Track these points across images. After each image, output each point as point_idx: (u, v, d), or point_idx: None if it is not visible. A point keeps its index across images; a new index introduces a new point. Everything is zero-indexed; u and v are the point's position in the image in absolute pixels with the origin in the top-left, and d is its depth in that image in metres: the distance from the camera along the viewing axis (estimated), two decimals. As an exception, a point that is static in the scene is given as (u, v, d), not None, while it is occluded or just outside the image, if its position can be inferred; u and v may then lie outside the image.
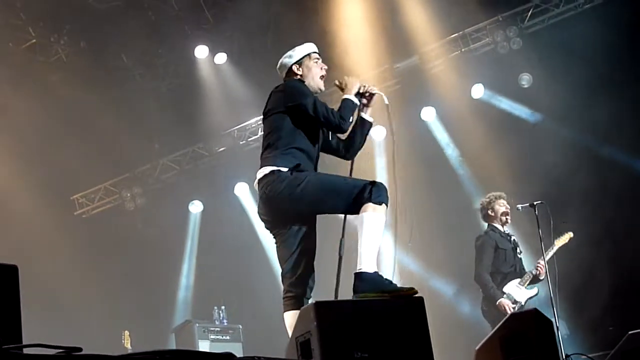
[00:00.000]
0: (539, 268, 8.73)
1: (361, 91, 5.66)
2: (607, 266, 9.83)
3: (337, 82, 5.71)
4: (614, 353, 6.50)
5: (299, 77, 5.73)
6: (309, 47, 5.81)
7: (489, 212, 9.07)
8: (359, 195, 5.23)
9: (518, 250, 8.96)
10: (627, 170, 10.23)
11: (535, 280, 8.78)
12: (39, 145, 11.76)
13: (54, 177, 12.23)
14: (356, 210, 5.28)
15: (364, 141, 5.84)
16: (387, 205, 5.26)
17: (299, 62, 5.75)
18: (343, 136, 5.82)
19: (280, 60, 5.82)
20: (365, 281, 5.04)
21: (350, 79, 5.68)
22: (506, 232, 9.04)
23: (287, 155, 5.45)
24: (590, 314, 9.38)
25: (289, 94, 5.57)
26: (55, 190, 12.65)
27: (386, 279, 5.06)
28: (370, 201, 5.20)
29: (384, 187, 5.29)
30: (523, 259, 9.01)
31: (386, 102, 5.63)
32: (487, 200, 9.11)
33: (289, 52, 5.78)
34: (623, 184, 10.11)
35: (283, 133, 5.52)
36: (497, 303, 8.59)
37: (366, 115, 5.77)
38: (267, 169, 5.43)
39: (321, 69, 5.75)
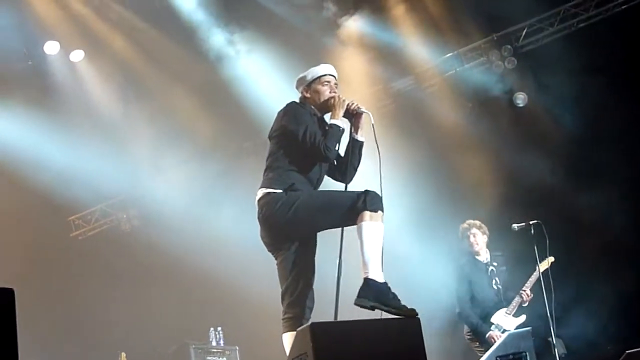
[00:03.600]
0: (523, 295, 8.75)
1: (349, 109, 5.68)
2: (605, 284, 9.82)
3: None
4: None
5: (307, 99, 5.77)
6: (322, 69, 5.84)
7: (463, 240, 9.15)
8: (353, 205, 5.30)
9: (495, 281, 8.97)
10: (624, 186, 10.22)
11: (521, 307, 8.81)
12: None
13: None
14: (352, 221, 5.31)
15: (358, 163, 5.85)
16: (382, 212, 5.28)
17: (309, 85, 5.79)
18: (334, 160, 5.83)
19: (297, 79, 5.87)
20: (371, 288, 5.11)
21: (337, 99, 5.70)
22: (485, 260, 9.07)
23: (282, 177, 5.49)
24: (588, 332, 9.35)
25: (285, 117, 5.64)
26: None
27: (392, 293, 5.09)
28: (367, 209, 5.25)
29: (378, 195, 5.35)
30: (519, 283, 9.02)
31: (372, 121, 5.64)
32: (462, 228, 9.17)
33: (304, 73, 5.83)
34: (618, 193, 10.10)
35: (279, 155, 5.60)
36: (487, 336, 8.61)
37: (358, 136, 5.79)
38: (262, 191, 5.53)
39: (330, 91, 5.77)
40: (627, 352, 6.47)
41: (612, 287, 9.75)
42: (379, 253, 5.25)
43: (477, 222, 9.13)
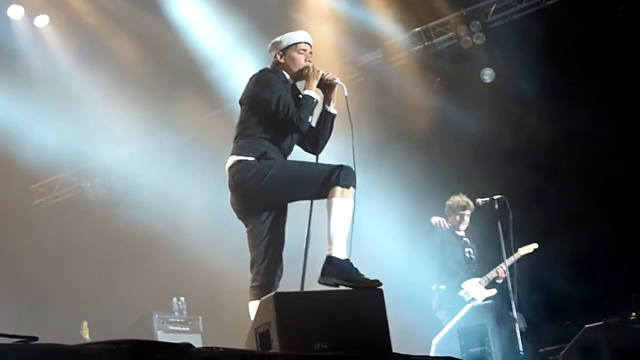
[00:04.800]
0: (499, 271, 8.83)
1: (323, 79, 5.65)
2: (565, 260, 9.91)
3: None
4: (570, 346, 6.58)
5: (280, 65, 5.71)
6: (299, 36, 5.75)
7: (453, 215, 9.19)
8: (327, 179, 5.26)
9: (468, 251, 9.06)
10: (587, 162, 10.30)
11: (495, 281, 8.89)
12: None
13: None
14: (324, 195, 5.29)
15: (329, 134, 5.80)
16: (355, 189, 5.27)
17: (284, 51, 5.72)
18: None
19: (271, 42, 5.79)
20: (335, 266, 5.09)
21: (312, 69, 5.66)
22: (461, 234, 9.15)
23: (254, 144, 5.45)
24: (548, 308, 9.45)
25: (257, 85, 5.58)
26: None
27: (355, 268, 5.09)
28: (339, 185, 5.23)
29: (352, 170, 5.32)
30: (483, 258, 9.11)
31: (346, 93, 5.61)
32: (457, 204, 9.20)
33: (279, 38, 5.74)
34: (584, 177, 10.20)
35: (251, 122, 5.55)
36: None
37: (330, 108, 5.75)
38: (233, 159, 5.47)
39: (305, 60, 5.71)
40: (586, 326, 6.54)
41: (571, 264, 9.86)
42: (346, 230, 5.24)
43: (469, 202, 9.15)
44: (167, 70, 12.22)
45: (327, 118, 5.75)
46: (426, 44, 11.71)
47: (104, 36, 12.05)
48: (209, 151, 11.49)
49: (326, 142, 5.81)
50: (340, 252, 5.14)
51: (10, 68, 11.77)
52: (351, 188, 5.27)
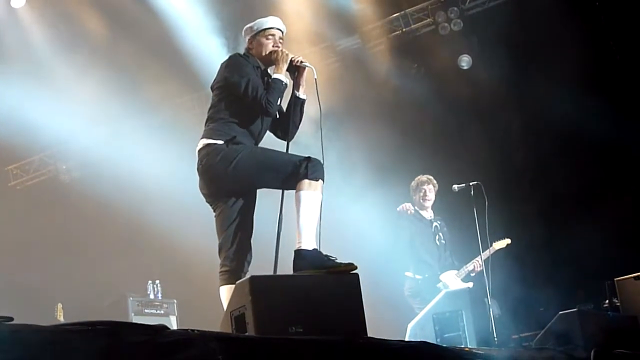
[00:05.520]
0: (475, 264, 8.87)
1: (293, 62, 5.64)
2: (539, 247, 9.97)
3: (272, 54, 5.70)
4: (544, 332, 6.63)
5: (250, 50, 5.73)
6: (268, 22, 5.77)
7: (416, 193, 9.21)
8: (295, 171, 5.27)
9: (438, 237, 9.09)
10: (564, 147, 10.36)
11: (469, 275, 8.95)
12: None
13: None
14: (292, 186, 5.30)
15: (300, 120, 5.82)
16: (323, 181, 5.28)
17: (254, 36, 5.73)
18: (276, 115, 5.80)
19: (244, 27, 5.81)
20: (304, 258, 5.08)
21: (280, 53, 5.66)
22: (429, 217, 9.18)
23: (223, 128, 5.46)
24: (522, 294, 9.50)
25: (227, 69, 5.61)
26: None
27: (325, 255, 5.10)
28: (307, 177, 5.24)
29: (320, 163, 5.33)
30: (459, 245, 9.14)
31: (315, 76, 5.62)
32: (417, 181, 9.23)
33: (251, 23, 5.77)
34: (559, 164, 10.26)
35: (221, 107, 5.57)
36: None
37: (299, 93, 5.76)
38: (202, 142, 5.50)
39: (274, 45, 5.71)
40: (560, 312, 6.59)
41: (544, 249, 9.93)
42: (314, 223, 5.25)
43: (431, 178, 9.19)
44: (143, 52, 12.14)
45: (296, 103, 5.77)
46: (404, 29, 11.71)
47: (79, 16, 11.95)
48: (185, 134, 11.43)
49: (297, 128, 5.82)
50: (308, 244, 5.15)
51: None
52: (320, 181, 5.29)
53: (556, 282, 9.56)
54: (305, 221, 5.21)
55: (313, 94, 5.69)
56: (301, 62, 5.68)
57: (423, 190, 9.17)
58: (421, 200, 9.17)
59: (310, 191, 5.24)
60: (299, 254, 5.12)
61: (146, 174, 12.29)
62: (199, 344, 3.27)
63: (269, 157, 5.47)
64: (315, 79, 5.61)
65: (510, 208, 10.05)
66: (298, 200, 5.26)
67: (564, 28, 10.27)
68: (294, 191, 5.32)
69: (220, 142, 5.42)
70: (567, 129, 10.10)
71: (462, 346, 7.02)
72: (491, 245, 8.92)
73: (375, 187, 10.48)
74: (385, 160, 10.80)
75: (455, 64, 11.28)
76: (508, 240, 9.17)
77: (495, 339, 7.56)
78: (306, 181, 5.24)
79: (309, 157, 5.34)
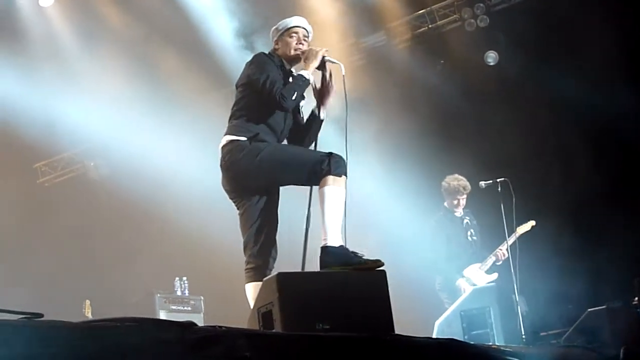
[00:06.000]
0: (498, 254, 8.83)
1: (324, 59, 5.62)
2: (567, 244, 9.91)
3: (299, 53, 5.70)
4: (572, 330, 6.61)
5: (276, 50, 5.75)
6: (292, 21, 5.77)
7: (450, 197, 9.18)
8: (318, 167, 5.26)
9: (470, 233, 9.07)
10: (595, 143, 10.28)
11: (495, 265, 8.92)
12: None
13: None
14: (316, 183, 5.31)
15: (314, 138, 5.77)
16: (346, 177, 5.28)
17: (279, 37, 5.75)
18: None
19: (271, 30, 5.83)
20: (331, 255, 5.07)
21: (312, 50, 5.65)
22: (460, 214, 9.15)
23: (246, 125, 5.47)
24: (549, 291, 9.46)
25: (251, 67, 5.63)
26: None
27: (352, 252, 5.09)
28: (330, 173, 5.24)
29: (343, 158, 5.32)
30: (487, 240, 9.12)
31: (343, 72, 5.59)
32: (453, 186, 9.18)
33: (278, 24, 5.78)
34: (587, 161, 10.18)
35: (245, 104, 5.59)
36: (456, 283, 8.72)
37: (319, 113, 5.76)
38: (226, 138, 5.51)
39: (297, 43, 5.71)
40: (589, 310, 6.56)
41: (573, 246, 9.88)
42: (340, 219, 5.23)
43: (467, 185, 9.10)
44: (171, 49, 12.19)
45: (313, 120, 5.77)
46: (430, 26, 11.69)
47: (107, 15, 12.02)
48: (214, 130, 11.45)
49: (311, 143, 5.79)
50: (334, 241, 5.14)
51: (16, 47, 11.76)
52: (343, 176, 5.28)
53: (585, 279, 9.50)
54: (331, 217, 5.20)
55: (340, 91, 5.68)
56: (330, 59, 5.67)
57: (457, 200, 9.14)
58: (454, 208, 9.15)
59: (335, 187, 5.24)
60: (326, 250, 5.12)
61: (173, 170, 12.36)
62: (227, 340, 3.29)
63: (292, 154, 5.49)
64: (344, 76, 5.59)
65: (538, 205, 9.99)
66: (322, 197, 5.26)
67: (591, 22, 10.19)
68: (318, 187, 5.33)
69: (244, 138, 5.43)
70: (597, 125, 10.03)
71: (490, 343, 7.01)
72: (515, 230, 8.88)
73: (402, 184, 10.48)
74: (410, 154, 10.77)
75: (481, 60, 11.23)
76: (532, 222, 9.10)
77: (523, 336, 7.54)
78: (330, 177, 5.24)
79: (331, 152, 5.33)
